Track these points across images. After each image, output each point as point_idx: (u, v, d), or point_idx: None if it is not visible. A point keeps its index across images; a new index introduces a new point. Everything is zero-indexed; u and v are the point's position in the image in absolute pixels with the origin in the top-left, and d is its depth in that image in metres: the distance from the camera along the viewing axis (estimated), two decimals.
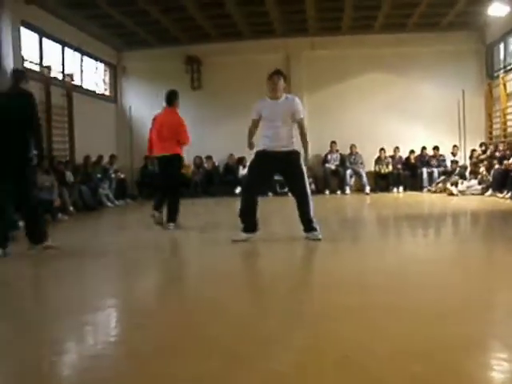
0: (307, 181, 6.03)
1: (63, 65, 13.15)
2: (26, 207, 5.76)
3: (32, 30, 11.66)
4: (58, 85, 12.45)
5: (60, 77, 12.84)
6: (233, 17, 13.31)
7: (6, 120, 5.48)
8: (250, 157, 6.66)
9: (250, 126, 6.14)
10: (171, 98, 7.71)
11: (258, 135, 6.10)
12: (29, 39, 11.58)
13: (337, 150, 14.88)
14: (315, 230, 5.91)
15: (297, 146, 6.01)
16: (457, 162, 13.97)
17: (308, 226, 5.92)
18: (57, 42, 12.79)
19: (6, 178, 5.54)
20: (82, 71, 14.15)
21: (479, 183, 12.50)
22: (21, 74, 6.29)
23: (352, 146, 14.64)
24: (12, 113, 5.51)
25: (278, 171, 6.32)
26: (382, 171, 14.48)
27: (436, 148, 14.49)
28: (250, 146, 6.11)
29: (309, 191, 5.97)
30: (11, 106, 5.56)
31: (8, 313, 3.58)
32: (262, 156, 5.94)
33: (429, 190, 13.80)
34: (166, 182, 7.53)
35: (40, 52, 12.13)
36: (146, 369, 2.38)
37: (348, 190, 14.37)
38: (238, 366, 2.41)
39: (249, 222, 5.96)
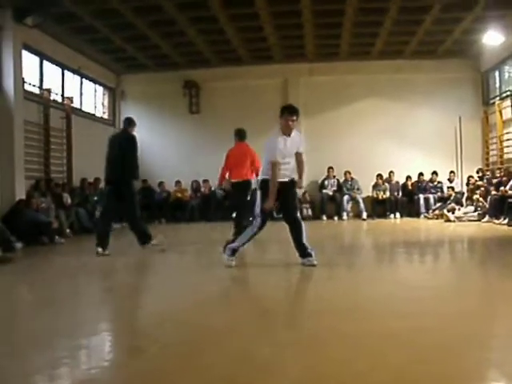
0: (298, 210, 6.18)
1: (63, 87, 13.24)
2: (130, 219, 8.06)
3: (33, 53, 11.77)
4: (57, 107, 12.52)
5: (59, 99, 12.91)
6: (232, 42, 13.44)
7: (118, 152, 7.83)
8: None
9: (274, 169, 5.83)
10: (242, 135, 9.13)
11: None
12: (30, 62, 11.67)
13: (334, 176, 14.90)
14: (310, 255, 5.92)
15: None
16: (453, 188, 14.01)
17: (303, 251, 5.95)
18: (57, 65, 12.89)
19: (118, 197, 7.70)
20: (81, 94, 14.24)
21: (475, 210, 12.52)
22: (130, 121, 8.30)
23: (346, 173, 14.65)
24: (121, 148, 7.84)
25: (278, 199, 6.25)
26: (380, 197, 14.49)
27: (434, 173, 14.53)
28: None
29: (301, 220, 6.07)
30: (121, 143, 7.96)
31: (1, 335, 3.54)
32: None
33: (425, 217, 13.80)
34: (239, 203, 8.88)
35: (40, 74, 12.23)
36: None
37: (345, 216, 14.36)
38: None
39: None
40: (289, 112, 5.95)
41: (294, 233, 6.00)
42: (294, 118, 5.95)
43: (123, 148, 7.87)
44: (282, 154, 5.89)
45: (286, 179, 6.00)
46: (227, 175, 9.07)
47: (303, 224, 6.05)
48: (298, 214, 6.13)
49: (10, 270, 6.58)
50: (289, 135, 5.96)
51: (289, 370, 2.66)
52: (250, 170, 8.71)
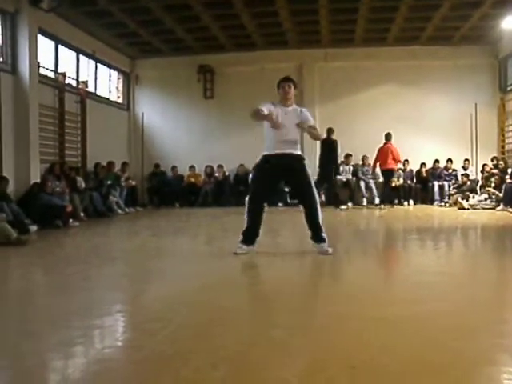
0: (315, 189, 5.80)
1: (78, 72, 13.28)
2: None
3: (48, 38, 11.80)
4: (72, 91, 12.57)
5: (74, 83, 12.96)
6: (246, 27, 13.38)
7: (329, 152, 12.67)
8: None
9: (255, 110, 5.56)
10: (388, 137, 13.21)
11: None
12: (45, 46, 11.72)
13: (350, 162, 14.77)
14: (324, 241, 5.70)
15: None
16: (468, 175, 13.89)
17: (317, 233, 5.71)
18: (72, 49, 12.93)
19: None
20: (95, 78, 14.28)
21: (486, 199, 12.45)
22: (331, 130, 12.78)
23: (364, 158, 14.58)
24: (327, 148, 12.60)
25: (283, 178, 6.13)
26: (393, 184, 14.40)
27: (449, 160, 14.41)
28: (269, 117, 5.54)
29: (317, 199, 5.78)
30: (327, 144, 12.54)
31: (15, 316, 3.61)
32: (266, 161, 5.74)
33: (439, 205, 13.70)
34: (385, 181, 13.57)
35: (55, 59, 12.27)
36: (156, 375, 2.39)
37: (365, 202, 14.14)
38: (245, 374, 2.42)
39: (251, 235, 5.78)
40: (285, 79, 5.81)
41: (309, 215, 5.71)
42: (290, 83, 5.76)
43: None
44: (275, 117, 5.54)
45: (288, 151, 5.63)
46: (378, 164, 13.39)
47: (319, 206, 5.77)
48: (316, 196, 5.75)
49: (25, 252, 6.67)
50: (287, 106, 5.72)
51: (300, 352, 2.68)
52: (392, 161, 13.14)
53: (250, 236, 5.78)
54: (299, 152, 5.81)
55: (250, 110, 5.67)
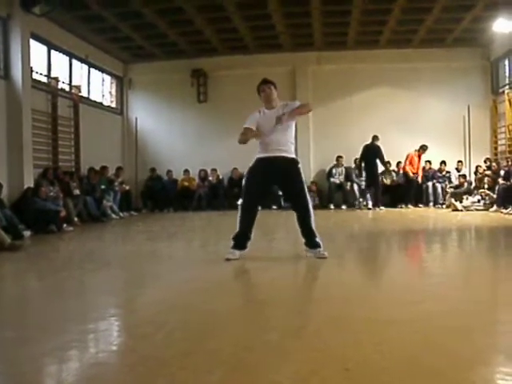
0: (307, 193, 5.72)
1: (70, 76, 13.26)
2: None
3: (40, 42, 11.78)
4: (65, 96, 12.55)
5: (67, 88, 12.94)
6: (239, 31, 13.40)
7: (373, 157, 13.41)
8: None
9: (243, 132, 5.66)
10: (424, 148, 14.11)
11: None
12: (37, 51, 11.70)
13: (342, 164, 14.84)
14: (319, 246, 5.61)
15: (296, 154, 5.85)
16: (465, 176, 13.88)
17: (311, 240, 5.63)
18: (65, 53, 12.91)
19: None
20: (88, 83, 14.26)
21: (479, 200, 12.50)
22: (376, 136, 13.51)
23: (356, 160, 14.60)
24: (372, 153, 13.39)
25: (276, 182, 5.94)
26: (385, 181, 14.48)
27: (443, 163, 14.47)
28: (254, 134, 5.60)
29: (310, 204, 5.68)
30: (372, 150, 13.41)
31: (10, 322, 3.59)
32: (259, 165, 5.64)
33: (437, 207, 13.74)
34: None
35: (48, 63, 12.24)
36: (151, 379, 2.39)
37: (358, 204, 14.22)
38: (239, 377, 2.41)
39: (243, 239, 5.68)
40: (263, 82, 5.69)
41: (301, 220, 5.61)
42: (270, 85, 5.63)
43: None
44: (263, 126, 5.52)
45: (281, 154, 5.55)
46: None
47: (312, 211, 5.66)
48: (309, 200, 5.65)
49: (19, 258, 6.65)
50: (272, 108, 5.61)
51: (295, 355, 2.68)
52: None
53: (241, 241, 5.68)
54: (293, 156, 5.69)
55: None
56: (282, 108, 5.62)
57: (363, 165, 13.82)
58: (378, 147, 13.56)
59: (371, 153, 13.56)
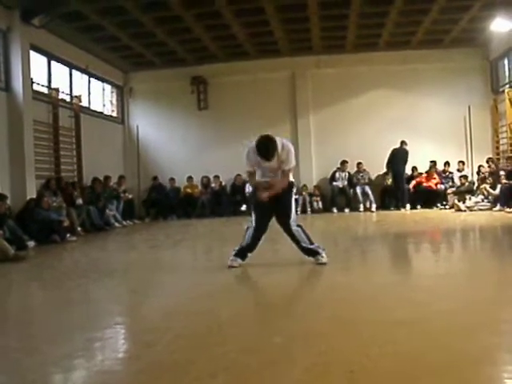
0: (292, 217, 5.68)
1: (71, 87, 13.30)
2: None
3: (40, 53, 11.83)
4: (66, 106, 12.59)
5: (68, 98, 12.98)
6: (238, 37, 13.44)
7: (398, 160, 13.79)
8: None
9: (247, 176, 5.85)
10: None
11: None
12: (37, 62, 11.74)
13: (346, 169, 14.80)
14: (317, 253, 5.62)
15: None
16: (466, 176, 13.90)
17: (308, 253, 5.68)
18: (65, 64, 12.95)
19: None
20: (89, 93, 14.30)
21: (482, 200, 12.49)
22: (404, 142, 13.92)
23: (359, 164, 14.63)
24: (400, 157, 13.73)
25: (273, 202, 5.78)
26: (385, 182, 14.54)
27: (447, 164, 14.46)
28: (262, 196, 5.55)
29: (293, 228, 5.64)
30: (401, 154, 13.81)
31: (16, 332, 3.59)
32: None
33: (441, 208, 13.72)
34: None
35: (48, 74, 12.29)
36: None
37: (362, 208, 14.28)
38: (244, 382, 2.41)
39: (247, 253, 5.76)
40: (262, 151, 5.34)
41: (292, 240, 5.71)
42: (269, 157, 5.36)
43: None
44: (261, 169, 5.60)
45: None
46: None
47: (300, 230, 5.64)
48: (292, 221, 5.65)
49: (23, 268, 6.66)
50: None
51: (298, 358, 2.67)
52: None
53: (245, 253, 5.75)
54: (289, 179, 5.71)
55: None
56: (280, 156, 5.47)
57: (390, 167, 14.13)
58: (407, 152, 13.94)
59: (399, 156, 13.90)
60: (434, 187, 14.20)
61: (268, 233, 5.80)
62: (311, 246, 5.68)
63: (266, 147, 5.35)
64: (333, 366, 2.53)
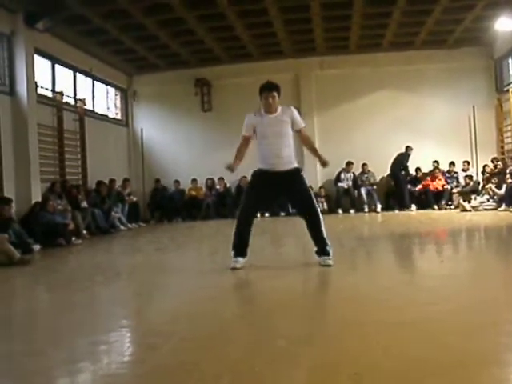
0: (315, 199, 5.63)
1: (75, 90, 13.34)
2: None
3: (45, 57, 11.88)
4: (70, 110, 12.62)
5: (72, 102, 13.02)
6: (241, 39, 13.46)
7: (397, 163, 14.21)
8: None
9: (239, 144, 5.69)
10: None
11: (249, 154, 5.74)
12: (42, 66, 11.78)
13: (351, 170, 14.80)
14: (328, 254, 5.48)
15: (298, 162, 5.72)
16: (471, 176, 13.88)
17: (322, 248, 5.50)
18: (69, 68, 13.00)
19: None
20: (93, 96, 14.34)
21: (488, 199, 12.46)
22: (408, 147, 14.13)
23: (364, 165, 14.63)
24: (400, 160, 14.18)
25: (280, 192, 5.82)
26: (392, 183, 14.56)
27: (452, 163, 14.42)
28: (231, 168, 5.57)
29: (318, 210, 5.59)
30: (400, 157, 14.20)
31: (21, 335, 3.60)
32: (260, 177, 5.58)
33: (446, 208, 13.69)
34: None
35: (52, 78, 12.34)
36: None
37: (366, 209, 14.31)
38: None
39: (243, 247, 5.60)
40: (267, 89, 5.46)
41: (311, 228, 5.50)
42: (274, 93, 5.44)
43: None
44: (262, 133, 5.48)
45: (283, 168, 5.46)
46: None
47: (321, 216, 5.54)
48: (317, 207, 5.55)
49: (29, 272, 6.67)
50: (270, 113, 5.49)
51: (303, 360, 2.66)
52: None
53: (241, 249, 5.61)
54: (294, 165, 5.58)
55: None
56: (281, 118, 5.53)
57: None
58: (407, 156, 14.29)
59: (399, 159, 14.24)
60: (441, 189, 14.15)
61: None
62: (327, 241, 5.54)
63: (270, 82, 5.52)
64: (337, 367, 2.52)
